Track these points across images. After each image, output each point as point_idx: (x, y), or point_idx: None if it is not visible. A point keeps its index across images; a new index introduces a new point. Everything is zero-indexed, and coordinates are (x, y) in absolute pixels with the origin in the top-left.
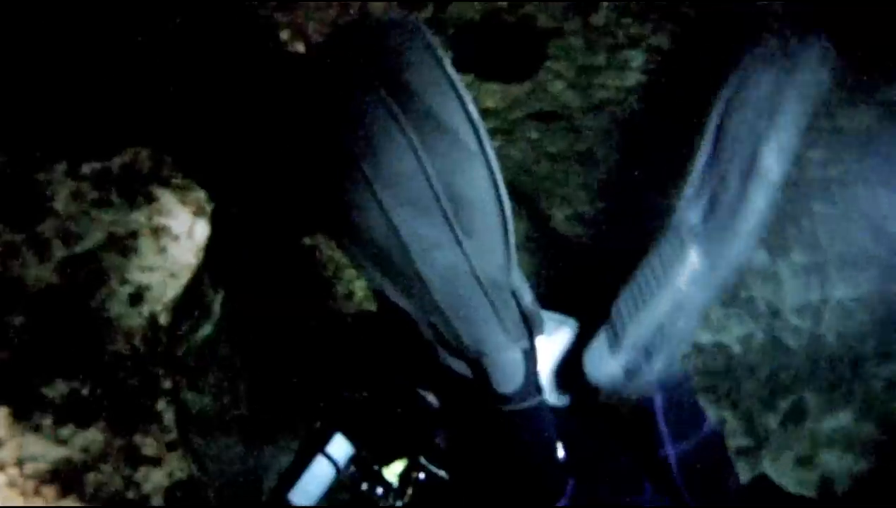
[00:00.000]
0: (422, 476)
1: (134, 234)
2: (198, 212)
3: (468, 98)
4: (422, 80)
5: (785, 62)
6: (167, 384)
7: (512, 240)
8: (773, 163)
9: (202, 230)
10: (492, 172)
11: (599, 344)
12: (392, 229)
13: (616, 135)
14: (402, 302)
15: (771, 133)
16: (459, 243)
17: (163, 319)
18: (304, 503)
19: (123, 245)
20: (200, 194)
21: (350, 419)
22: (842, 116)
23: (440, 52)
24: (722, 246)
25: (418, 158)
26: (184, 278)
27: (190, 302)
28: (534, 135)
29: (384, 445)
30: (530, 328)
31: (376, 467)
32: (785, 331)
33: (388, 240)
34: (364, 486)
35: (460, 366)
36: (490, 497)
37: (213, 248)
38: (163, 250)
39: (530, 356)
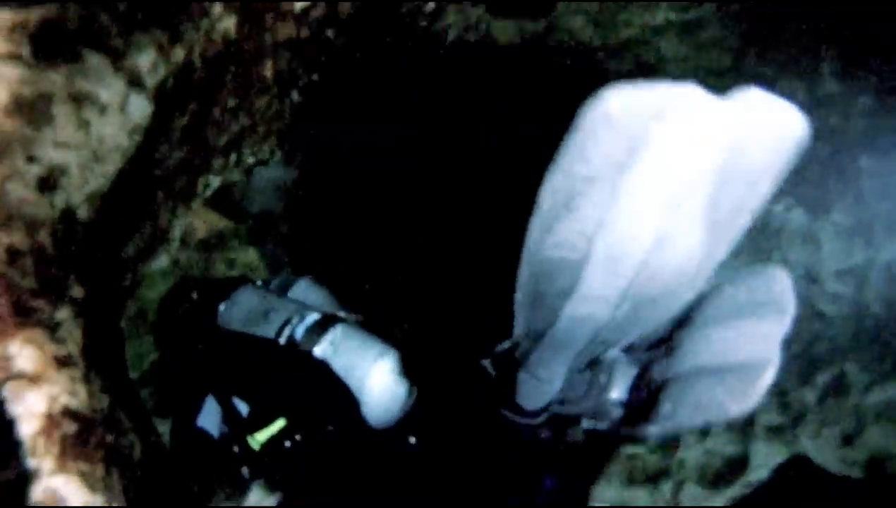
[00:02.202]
0: (287, 444)
1: (47, 99)
2: (134, 82)
3: None
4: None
5: None
6: (77, 292)
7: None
8: None
9: (140, 106)
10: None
11: None
12: (574, 274)
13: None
14: (520, 317)
15: None
16: (617, 306)
17: (82, 213)
18: (211, 427)
19: (32, 111)
20: (141, 62)
21: (222, 382)
22: None
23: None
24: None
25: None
26: (112, 163)
27: (126, 202)
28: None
29: (259, 408)
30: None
31: (234, 446)
32: (823, 298)
33: (559, 279)
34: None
35: (489, 376)
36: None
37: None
38: (84, 124)
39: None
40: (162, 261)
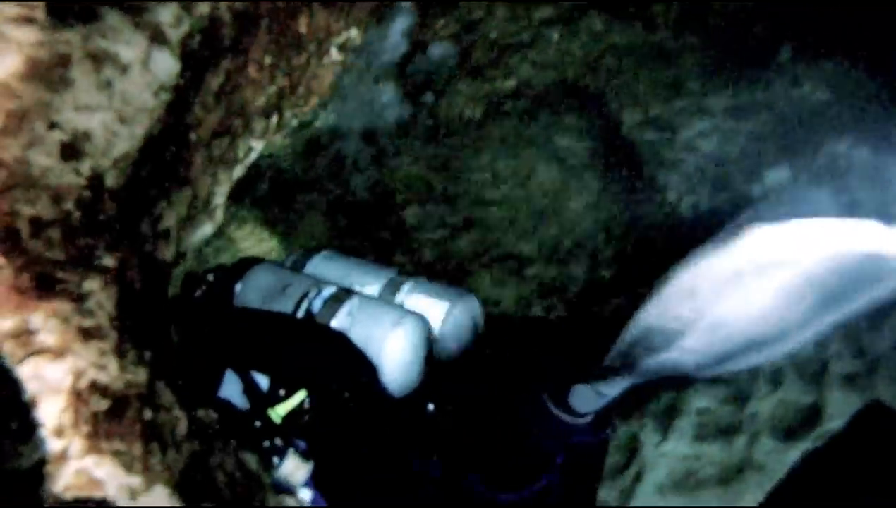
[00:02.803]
0: (308, 416)
1: (65, 61)
2: (157, 39)
3: None
4: None
5: None
6: (108, 261)
7: None
8: None
9: (165, 62)
10: None
11: None
12: (674, 337)
13: (692, 26)
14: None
15: None
16: (702, 355)
17: (110, 180)
18: (232, 399)
19: (49, 75)
20: (162, 17)
21: (241, 356)
22: None
23: None
24: None
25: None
26: (140, 125)
27: (160, 167)
28: (598, 25)
29: (279, 382)
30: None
31: (255, 419)
32: None
33: (657, 340)
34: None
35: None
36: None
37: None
38: (107, 84)
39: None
40: (206, 231)
